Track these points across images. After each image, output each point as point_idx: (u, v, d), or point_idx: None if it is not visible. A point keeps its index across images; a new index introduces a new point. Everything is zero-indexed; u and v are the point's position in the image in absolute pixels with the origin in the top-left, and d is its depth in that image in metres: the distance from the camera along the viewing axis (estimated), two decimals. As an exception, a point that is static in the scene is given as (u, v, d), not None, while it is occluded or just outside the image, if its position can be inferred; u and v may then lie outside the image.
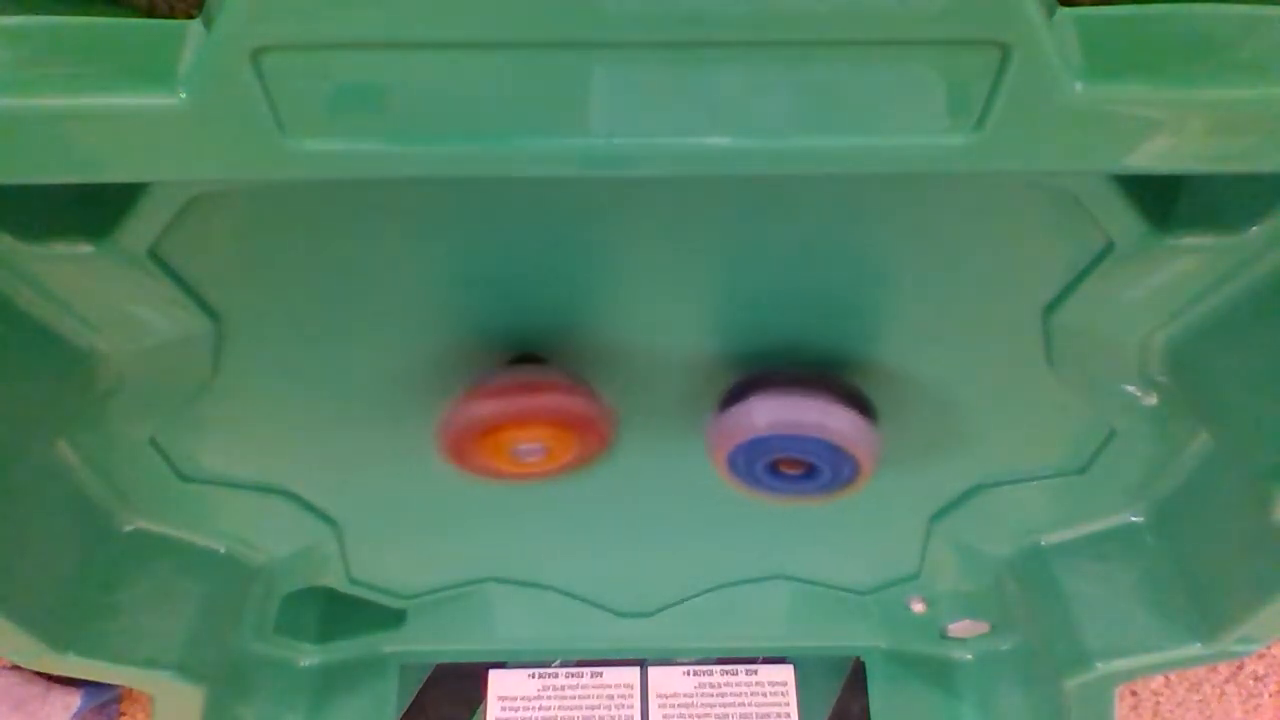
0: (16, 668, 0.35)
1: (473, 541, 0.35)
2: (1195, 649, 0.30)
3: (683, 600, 0.38)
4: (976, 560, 0.34)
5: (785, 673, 0.38)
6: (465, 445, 0.26)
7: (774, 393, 0.26)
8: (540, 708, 0.38)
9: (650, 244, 0.24)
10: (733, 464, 0.27)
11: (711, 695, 0.38)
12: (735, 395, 0.26)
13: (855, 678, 0.38)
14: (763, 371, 0.27)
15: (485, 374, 0.26)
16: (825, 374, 0.26)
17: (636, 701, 0.38)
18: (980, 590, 0.36)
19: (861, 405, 0.26)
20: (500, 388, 0.25)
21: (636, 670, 0.38)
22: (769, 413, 0.25)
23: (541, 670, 0.38)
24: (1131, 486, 0.31)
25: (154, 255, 0.23)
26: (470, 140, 0.17)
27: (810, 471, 0.27)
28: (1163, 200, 0.23)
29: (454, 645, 0.38)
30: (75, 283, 0.24)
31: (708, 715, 0.38)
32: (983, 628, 0.37)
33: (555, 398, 0.25)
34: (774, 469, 0.27)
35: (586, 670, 0.38)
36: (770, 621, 0.38)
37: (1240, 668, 0.40)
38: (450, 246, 0.24)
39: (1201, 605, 0.30)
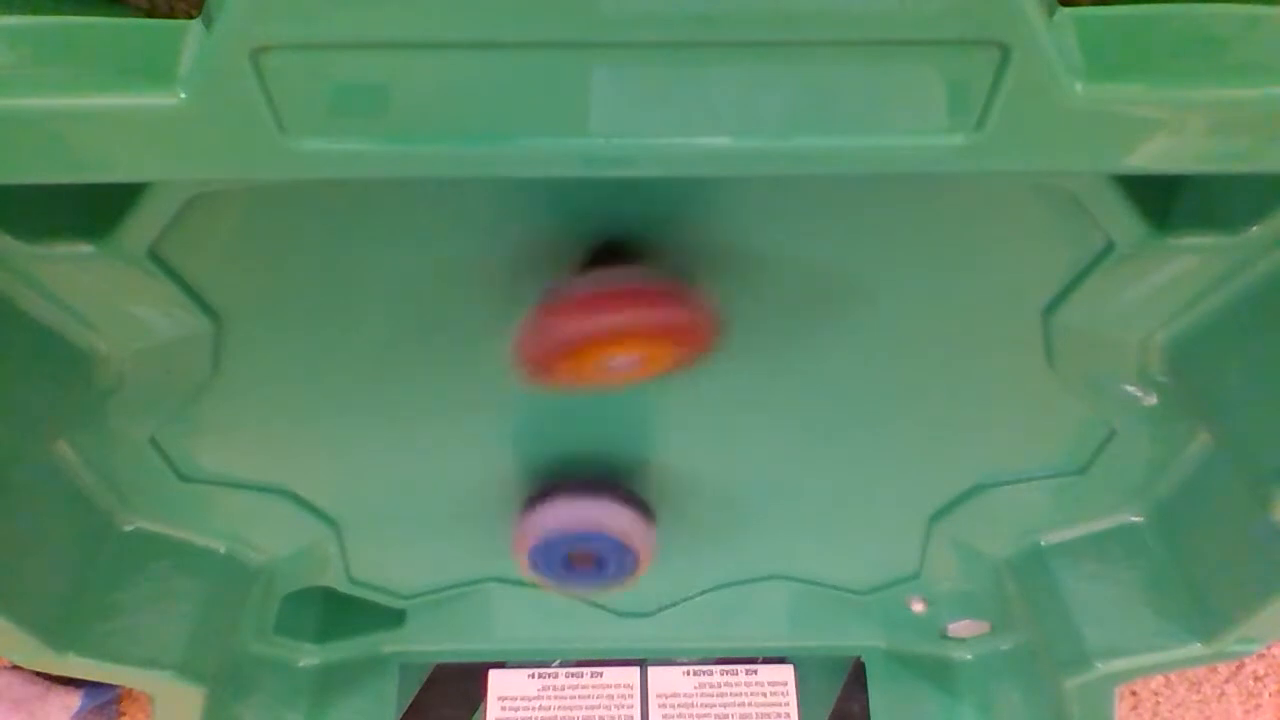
0: (16, 668, 0.35)
1: (473, 541, 0.35)
2: (1195, 649, 0.30)
3: (683, 600, 0.38)
4: (976, 560, 0.34)
5: (785, 673, 0.38)
6: (549, 364, 0.23)
7: (563, 498, 0.30)
8: (540, 708, 0.38)
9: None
10: (534, 562, 0.30)
11: (711, 695, 0.38)
12: (531, 503, 0.30)
13: (855, 678, 0.38)
14: (552, 482, 0.31)
15: (568, 279, 0.23)
16: (608, 480, 0.31)
17: (636, 701, 0.38)
18: (980, 590, 0.36)
19: (638, 506, 0.31)
20: (591, 296, 0.22)
21: (636, 670, 0.38)
22: (559, 514, 0.30)
23: (541, 670, 0.38)
24: (1131, 486, 0.31)
25: (154, 255, 0.23)
26: (470, 140, 0.17)
27: (598, 564, 0.30)
28: (1163, 200, 0.23)
29: (454, 645, 0.38)
30: (75, 283, 0.24)
31: (708, 715, 0.38)
32: (983, 628, 0.37)
33: (657, 311, 0.22)
34: (569, 564, 0.31)
35: (586, 670, 0.38)
36: (770, 621, 0.38)
37: (1240, 668, 0.40)
38: (451, 248, 0.24)
39: (1201, 605, 0.30)
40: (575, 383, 0.24)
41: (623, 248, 0.24)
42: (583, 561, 0.30)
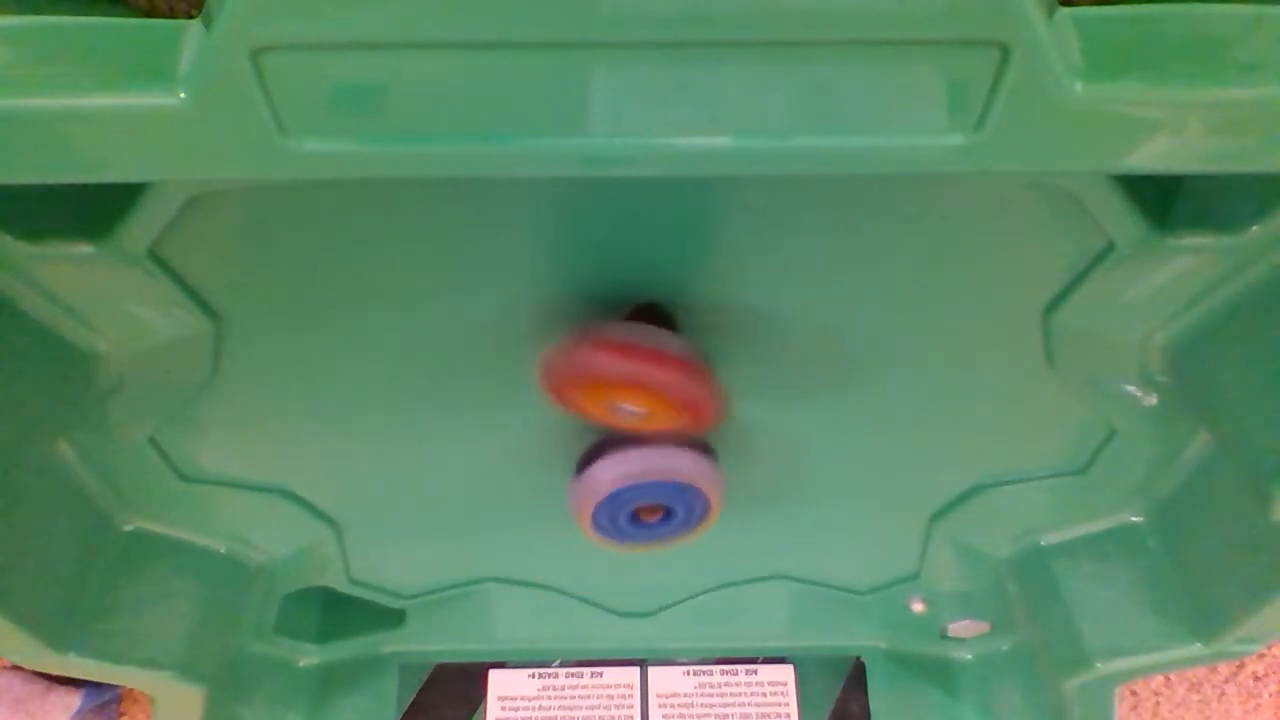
0: (16, 668, 0.35)
1: (473, 541, 0.35)
2: (1195, 649, 0.30)
3: (683, 600, 0.38)
4: (976, 560, 0.34)
5: (785, 673, 0.38)
6: (567, 387, 0.25)
7: (620, 450, 0.27)
8: (540, 708, 0.38)
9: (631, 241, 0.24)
10: (596, 523, 0.28)
11: (711, 695, 0.38)
12: (587, 460, 0.28)
13: (855, 678, 0.38)
14: (609, 434, 0.28)
15: (605, 322, 0.25)
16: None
17: (636, 701, 0.38)
18: (980, 590, 0.36)
19: (701, 447, 0.28)
20: (623, 344, 0.24)
21: (636, 670, 0.38)
22: (617, 467, 0.27)
23: (541, 670, 0.38)
24: (1131, 486, 0.31)
25: (154, 255, 0.23)
26: (470, 140, 0.17)
27: (666, 515, 0.29)
28: (1163, 200, 0.23)
29: (454, 645, 0.38)
30: (75, 283, 0.24)
31: (708, 715, 0.38)
32: (983, 628, 0.37)
33: (674, 375, 0.24)
34: (634, 519, 0.29)
35: (586, 670, 0.38)
36: (770, 621, 0.38)
37: (1240, 668, 0.40)
38: (451, 247, 0.24)
39: (1201, 605, 0.30)
40: (588, 413, 0.25)
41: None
42: (650, 514, 0.29)
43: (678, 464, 0.27)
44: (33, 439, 0.26)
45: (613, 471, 0.27)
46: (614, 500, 0.28)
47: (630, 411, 0.25)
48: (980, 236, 0.24)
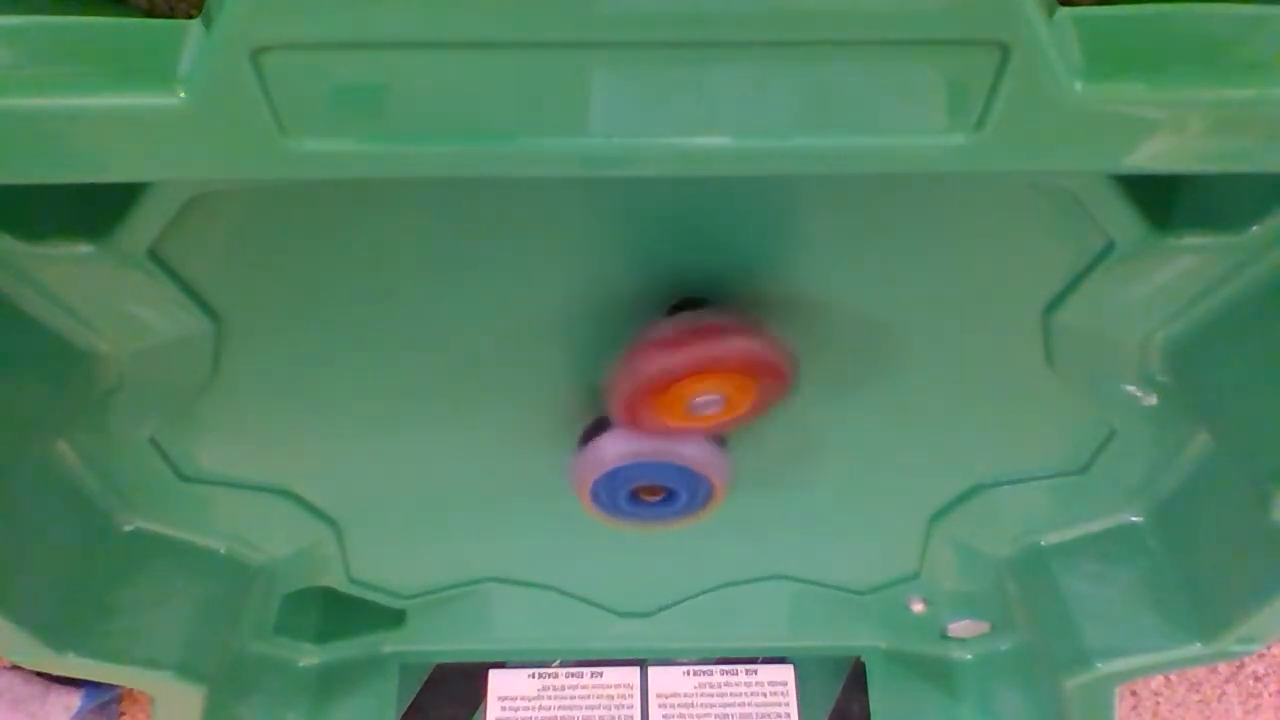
0: (16, 668, 0.35)
1: (473, 541, 0.35)
2: (1195, 649, 0.30)
3: (683, 600, 0.38)
4: (976, 560, 0.34)
5: (785, 673, 0.38)
6: (639, 404, 0.24)
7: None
8: (540, 708, 0.38)
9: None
10: (595, 497, 0.28)
11: (711, 695, 0.38)
12: (591, 432, 0.27)
13: (855, 678, 0.38)
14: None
15: (653, 324, 0.24)
16: None
17: (636, 701, 0.38)
18: (980, 590, 0.36)
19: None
20: (675, 337, 0.23)
21: (636, 670, 0.38)
22: (621, 445, 0.26)
23: (541, 670, 0.38)
24: (1131, 486, 0.31)
25: (154, 255, 0.23)
26: (470, 140, 0.17)
27: (668, 496, 0.28)
28: (1163, 200, 0.23)
29: (454, 645, 0.38)
30: (75, 283, 0.24)
31: (708, 715, 0.38)
32: (983, 628, 0.37)
33: (738, 343, 0.23)
34: (634, 497, 0.28)
35: (586, 670, 0.38)
36: (770, 621, 0.38)
37: (1240, 668, 0.40)
38: (451, 247, 0.24)
39: (1201, 605, 0.30)
40: (665, 425, 0.25)
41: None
42: (651, 494, 0.28)
43: (685, 448, 0.27)
44: (33, 439, 0.26)
45: (614, 450, 0.27)
46: (613, 477, 0.27)
47: (709, 402, 0.24)
48: (980, 236, 0.24)
